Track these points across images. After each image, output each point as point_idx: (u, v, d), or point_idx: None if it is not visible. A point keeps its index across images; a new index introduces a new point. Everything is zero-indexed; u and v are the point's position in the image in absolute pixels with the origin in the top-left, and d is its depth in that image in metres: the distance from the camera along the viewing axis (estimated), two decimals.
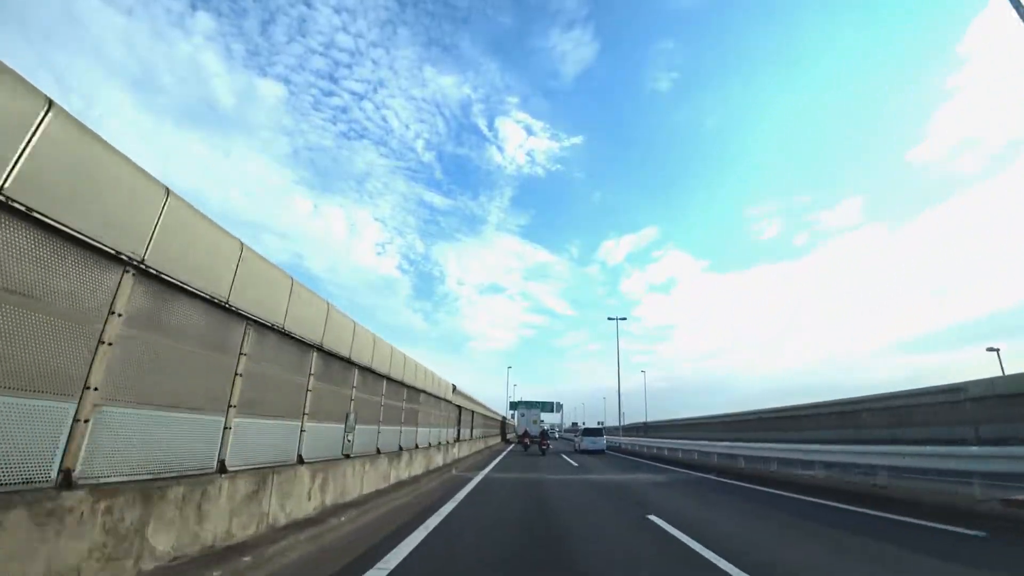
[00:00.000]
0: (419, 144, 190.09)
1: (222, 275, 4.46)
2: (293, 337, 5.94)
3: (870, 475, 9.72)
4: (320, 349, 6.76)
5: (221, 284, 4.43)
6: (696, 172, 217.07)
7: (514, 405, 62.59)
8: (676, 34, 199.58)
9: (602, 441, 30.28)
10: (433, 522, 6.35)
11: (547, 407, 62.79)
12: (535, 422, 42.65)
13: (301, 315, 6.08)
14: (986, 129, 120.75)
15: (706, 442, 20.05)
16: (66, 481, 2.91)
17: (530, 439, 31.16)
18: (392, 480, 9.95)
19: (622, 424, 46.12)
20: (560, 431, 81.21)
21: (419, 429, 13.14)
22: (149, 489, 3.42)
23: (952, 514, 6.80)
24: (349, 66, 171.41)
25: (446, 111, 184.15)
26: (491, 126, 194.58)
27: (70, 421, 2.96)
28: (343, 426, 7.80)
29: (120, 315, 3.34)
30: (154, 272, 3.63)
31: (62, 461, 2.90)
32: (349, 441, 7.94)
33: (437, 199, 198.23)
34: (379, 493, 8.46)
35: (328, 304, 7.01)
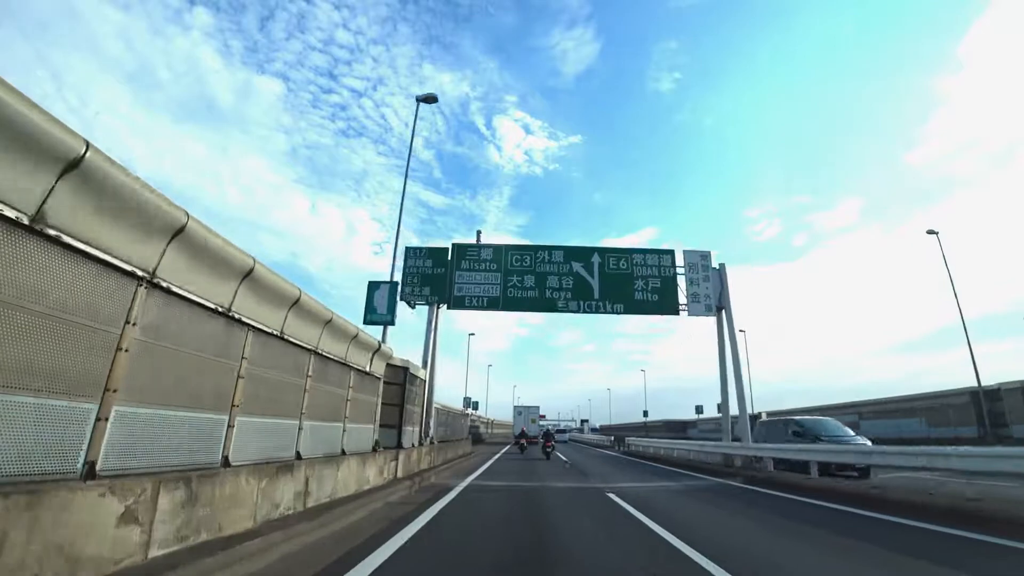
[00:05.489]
0: (418, 142, 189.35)
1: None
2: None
3: None
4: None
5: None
6: (696, 172, 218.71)
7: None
8: (679, 34, 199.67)
9: (565, 436, 52.09)
10: None
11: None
12: (534, 420, 38.24)
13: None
14: (985, 131, 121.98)
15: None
16: None
17: (528, 439, 28.58)
18: None
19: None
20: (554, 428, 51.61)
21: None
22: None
23: None
24: (349, 63, 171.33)
25: (446, 109, 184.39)
26: (489, 124, 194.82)
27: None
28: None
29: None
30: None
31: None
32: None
33: (435, 198, 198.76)
34: None
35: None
